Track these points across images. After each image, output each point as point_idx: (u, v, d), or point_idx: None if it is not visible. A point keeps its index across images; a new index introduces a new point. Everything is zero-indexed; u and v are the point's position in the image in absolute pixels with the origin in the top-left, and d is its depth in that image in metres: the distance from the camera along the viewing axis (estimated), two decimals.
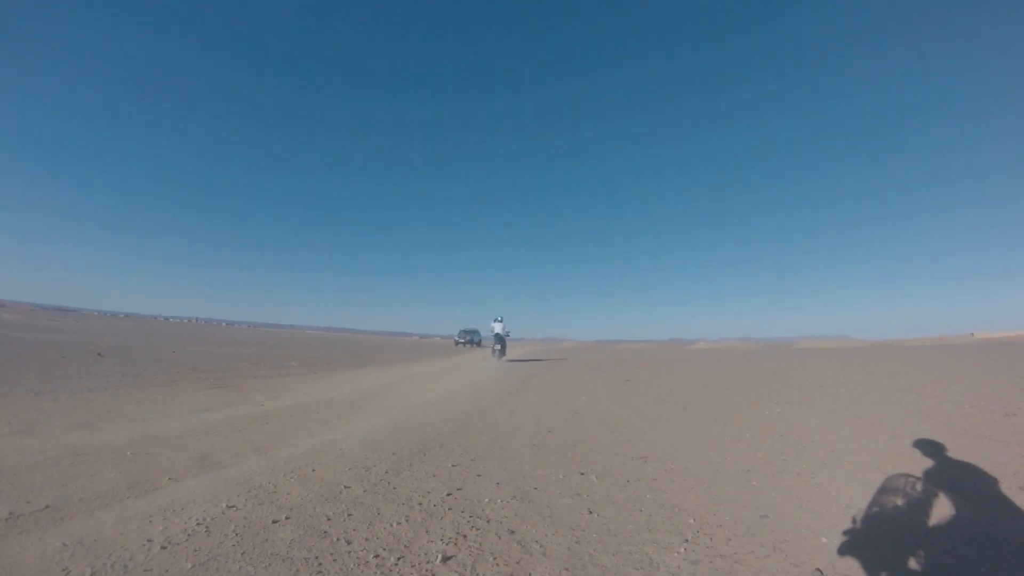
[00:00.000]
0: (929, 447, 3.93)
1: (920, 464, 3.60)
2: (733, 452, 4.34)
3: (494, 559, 2.38)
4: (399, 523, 2.74)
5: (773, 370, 11.86)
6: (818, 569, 2.32)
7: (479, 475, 3.69)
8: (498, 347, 17.55)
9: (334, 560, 2.28)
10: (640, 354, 29.48)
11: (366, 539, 2.52)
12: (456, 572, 2.24)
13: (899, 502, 2.97)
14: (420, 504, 3.02)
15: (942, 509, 2.83)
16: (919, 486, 3.13)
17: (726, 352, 35.57)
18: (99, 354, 12.03)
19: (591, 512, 2.97)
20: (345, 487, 3.28)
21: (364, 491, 3.20)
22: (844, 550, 2.52)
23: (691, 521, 2.85)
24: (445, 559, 2.35)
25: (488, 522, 2.80)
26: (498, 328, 17.61)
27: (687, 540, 2.60)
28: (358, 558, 2.32)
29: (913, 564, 2.38)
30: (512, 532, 2.69)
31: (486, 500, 3.14)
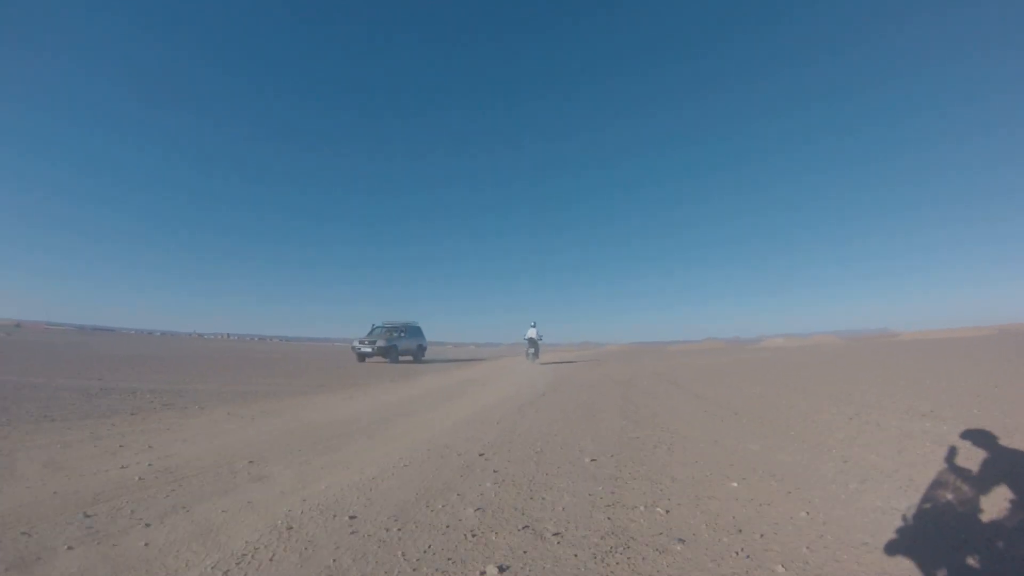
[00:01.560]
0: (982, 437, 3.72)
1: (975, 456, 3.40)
2: None
3: None
4: None
5: None
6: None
7: None
8: (531, 351, 18.57)
9: None
10: (727, 357, 20.92)
11: None
12: None
13: (951, 496, 2.81)
14: None
15: (998, 503, 2.67)
16: (974, 479, 2.96)
17: (848, 350, 22.47)
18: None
19: None
20: None
21: None
22: (893, 549, 2.40)
23: None
24: None
25: None
26: (532, 333, 18.55)
27: None
28: None
29: (970, 562, 2.25)
30: None
31: None
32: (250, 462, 4.02)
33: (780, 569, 2.23)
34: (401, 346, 20.46)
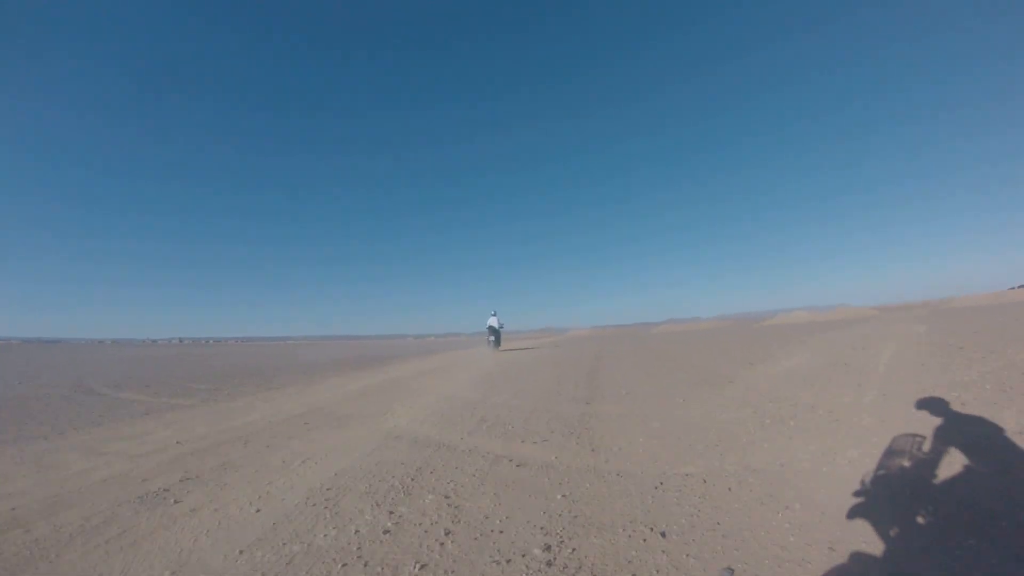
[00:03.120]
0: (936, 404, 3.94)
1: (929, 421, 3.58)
2: None
3: None
4: None
5: None
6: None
7: None
8: (492, 339, 18.62)
9: None
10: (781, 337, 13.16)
11: None
12: None
13: (907, 462, 2.98)
14: None
15: (952, 465, 2.85)
16: (928, 444, 3.15)
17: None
18: None
19: None
20: None
21: None
22: (854, 513, 2.53)
23: None
24: None
25: None
26: (493, 321, 18.55)
27: None
28: None
29: (922, 520, 2.39)
30: None
31: None
32: None
33: None
34: None
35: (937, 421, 3.48)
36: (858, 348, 7.36)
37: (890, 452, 3.09)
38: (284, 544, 2.61)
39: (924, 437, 3.19)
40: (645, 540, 2.49)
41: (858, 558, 2.19)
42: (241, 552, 2.55)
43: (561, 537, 2.57)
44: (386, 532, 2.69)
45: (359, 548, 2.53)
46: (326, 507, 3.06)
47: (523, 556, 2.40)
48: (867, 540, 2.31)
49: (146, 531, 2.88)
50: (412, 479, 3.53)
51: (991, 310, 15.54)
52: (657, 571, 2.22)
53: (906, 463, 2.94)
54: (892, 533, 2.32)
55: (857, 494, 2.74)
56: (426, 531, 2.70)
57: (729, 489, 3.07)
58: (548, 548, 2.46)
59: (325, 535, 2.69)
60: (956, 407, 3.72)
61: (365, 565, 2.36)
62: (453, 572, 2.29)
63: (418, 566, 2.34)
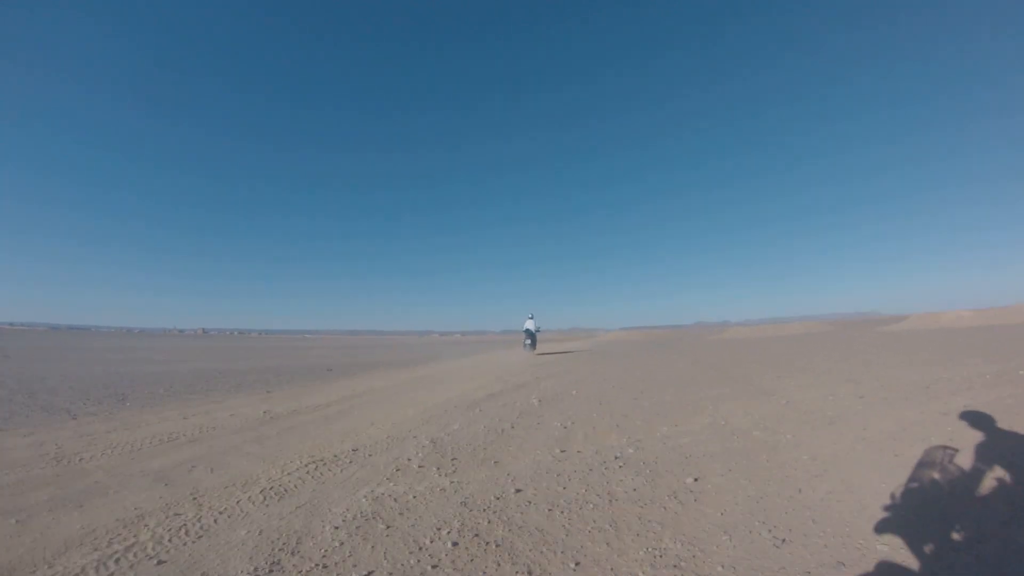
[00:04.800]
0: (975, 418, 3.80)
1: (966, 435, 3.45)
2: None
3: None
4: None
5: None
6: None
7: None
8: (528, 342, 18.88)
9: None
10: None
11: None
12: None
13: (939, 476, 2.86)
14: None
15: (987, 482, 2.72)
16: (961, 458, 3.02)
17: None
18: None
19: None
20: None
21: None
22: (882, 527, 2.43)
23: None
24: None
25: None
26: (530, 324, 18.84)
27: None
28: None
29: (956, 537, 2.29)
30: None
31: None
32: None
33: None
34: None
35: None
36: None
37: (922, 464, 2.96)
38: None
39: (958, 450, 3.05)
40: None
41: None
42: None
43: None
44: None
45: None
46: None
47: None
48: None
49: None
50: None
51: None
52: None
53: (940, 476, 2.80)
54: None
55: (887, 508, 2.62)
56: None
57: None
58: None
59: None
60: None
61: None
62: None
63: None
